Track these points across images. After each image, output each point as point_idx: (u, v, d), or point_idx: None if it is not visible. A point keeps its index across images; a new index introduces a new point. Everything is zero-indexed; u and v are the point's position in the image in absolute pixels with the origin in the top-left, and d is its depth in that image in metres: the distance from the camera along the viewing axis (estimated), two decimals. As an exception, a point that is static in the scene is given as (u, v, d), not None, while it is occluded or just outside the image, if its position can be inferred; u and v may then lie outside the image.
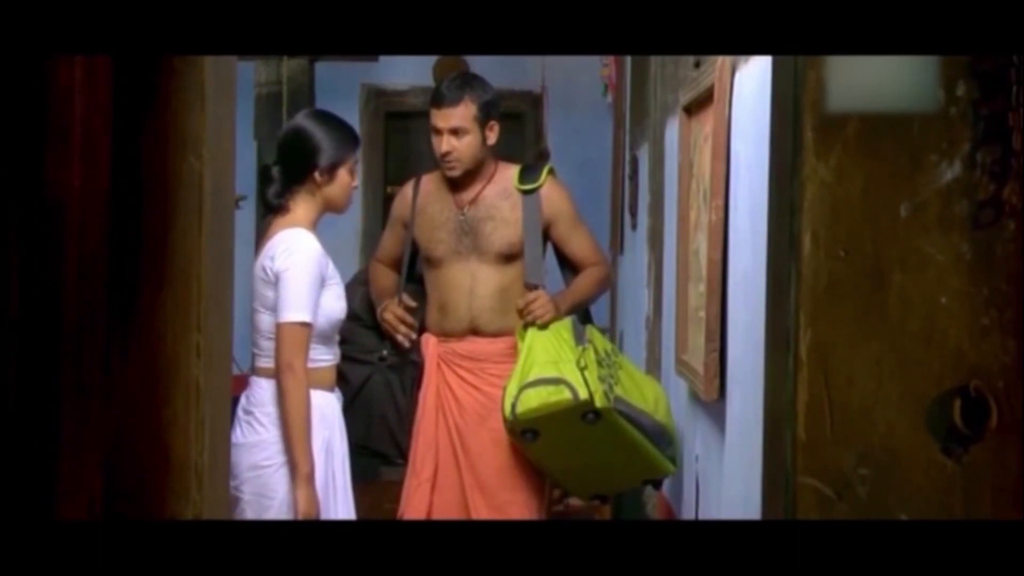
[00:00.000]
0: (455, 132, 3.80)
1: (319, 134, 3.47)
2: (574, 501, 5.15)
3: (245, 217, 5.91)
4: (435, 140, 3.85)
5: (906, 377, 1.61)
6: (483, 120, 3.83)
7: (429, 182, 4.00)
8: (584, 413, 3.53)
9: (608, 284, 4.14)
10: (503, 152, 4.18)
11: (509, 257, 3.85)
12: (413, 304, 3.89)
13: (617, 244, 6.06)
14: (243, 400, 3.43)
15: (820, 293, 1.62)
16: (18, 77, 1.44)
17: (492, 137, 3.87)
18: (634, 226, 5.23)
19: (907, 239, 1.61)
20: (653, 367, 4.39)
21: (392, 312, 3.87)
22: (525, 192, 3.86)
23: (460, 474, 3.81)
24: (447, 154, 3.81)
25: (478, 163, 3.85)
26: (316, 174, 3.42)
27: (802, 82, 1.62)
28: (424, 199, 3.97)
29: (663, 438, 3.70)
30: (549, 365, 3.58)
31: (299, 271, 3.31)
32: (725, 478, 2.80)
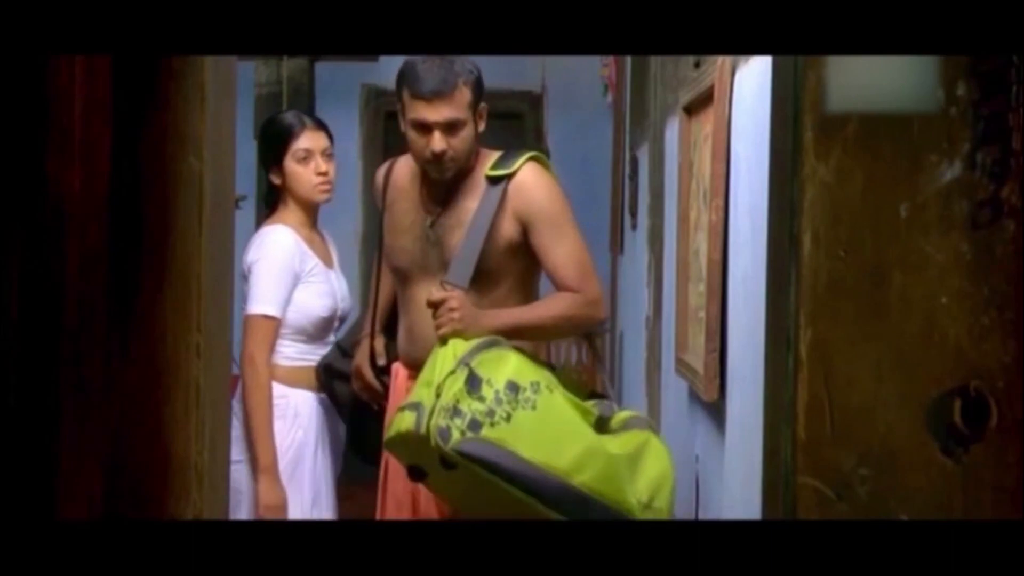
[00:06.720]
0: (451, 127, 2.96)
1: (260, 138, 3.56)
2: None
3: (245, 217, 5.90)
4: (420, 138, 2.99)
5: (906, 377, 1.61)
6: (475, 105, 3.02)
7: (402, 171, 3.22)
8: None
9: (585, 321, 3.06)
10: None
11: (484, 272, 3.00)
12: (379, 388, 3.28)
13: (617, 244, 6.06)
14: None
15: (820, 293, 1.62)
16: (18, 77, 1.44)
17: (482, 124, 3.07)
18: (634, 226, 5.23)
19: (907, 239, 1.61)
20: (653, 367, 4.39)
21: (359, 373, 3.30)
22: (491, 180, 3.01)
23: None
24: (442, 154, 2.97)
25: (469, 157, 3.06)
26: (271, 176, 3.49)
27: (802, 82, 1.61)
28: (393, 193, 3.20)
29: (574, 504, 2.66)
30: (423, 386, 2.74)
31: (264, 264, 3.33)
32: (725, 478, 2.80)
